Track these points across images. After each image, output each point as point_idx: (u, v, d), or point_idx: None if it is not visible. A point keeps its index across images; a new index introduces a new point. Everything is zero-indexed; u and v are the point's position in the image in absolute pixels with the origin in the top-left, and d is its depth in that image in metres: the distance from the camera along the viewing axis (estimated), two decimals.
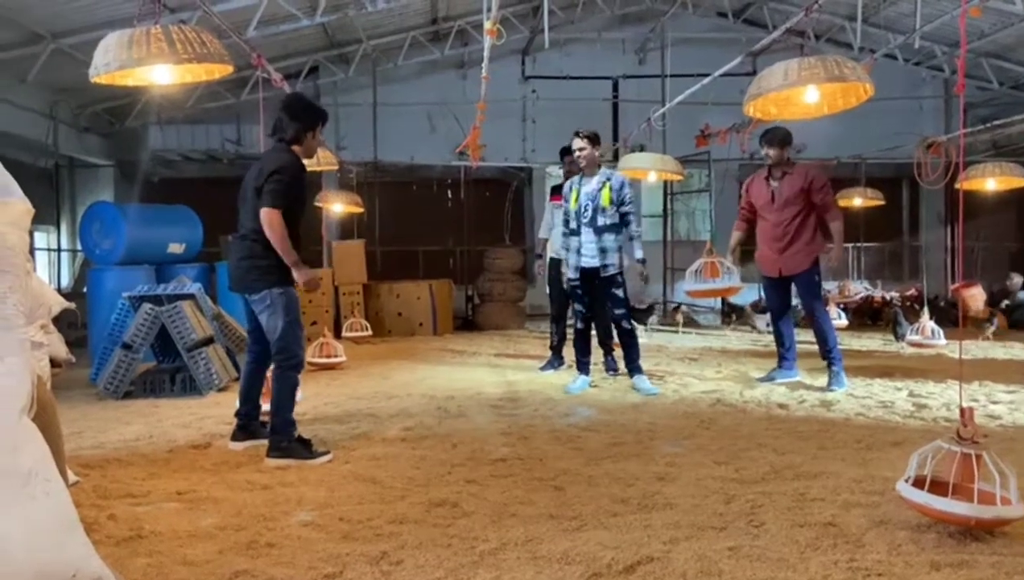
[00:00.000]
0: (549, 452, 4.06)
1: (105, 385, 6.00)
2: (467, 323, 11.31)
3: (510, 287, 11.17)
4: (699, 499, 3.21)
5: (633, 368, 6.03)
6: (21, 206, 2.56)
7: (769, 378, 6.11)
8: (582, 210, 5.89)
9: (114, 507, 3.11)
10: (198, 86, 10.20)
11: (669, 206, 12.23)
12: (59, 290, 11.44)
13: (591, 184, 5.89)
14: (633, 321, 6.16)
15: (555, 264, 6.78)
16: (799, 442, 4.22)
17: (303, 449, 3.97)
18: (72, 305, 3.98)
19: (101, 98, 10.91)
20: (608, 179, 5.90)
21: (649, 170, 7.49)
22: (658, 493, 3.30)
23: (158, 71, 3.47)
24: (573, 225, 5.94)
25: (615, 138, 12.22)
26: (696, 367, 7.13)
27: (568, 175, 6.66)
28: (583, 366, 6.10)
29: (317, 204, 9.40)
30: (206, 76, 3.73)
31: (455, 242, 12.26)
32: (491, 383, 6.24)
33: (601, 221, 5.83)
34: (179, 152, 12.46)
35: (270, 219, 3.91)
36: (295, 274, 4.02)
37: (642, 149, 9.14)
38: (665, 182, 11.19)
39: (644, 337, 8.26)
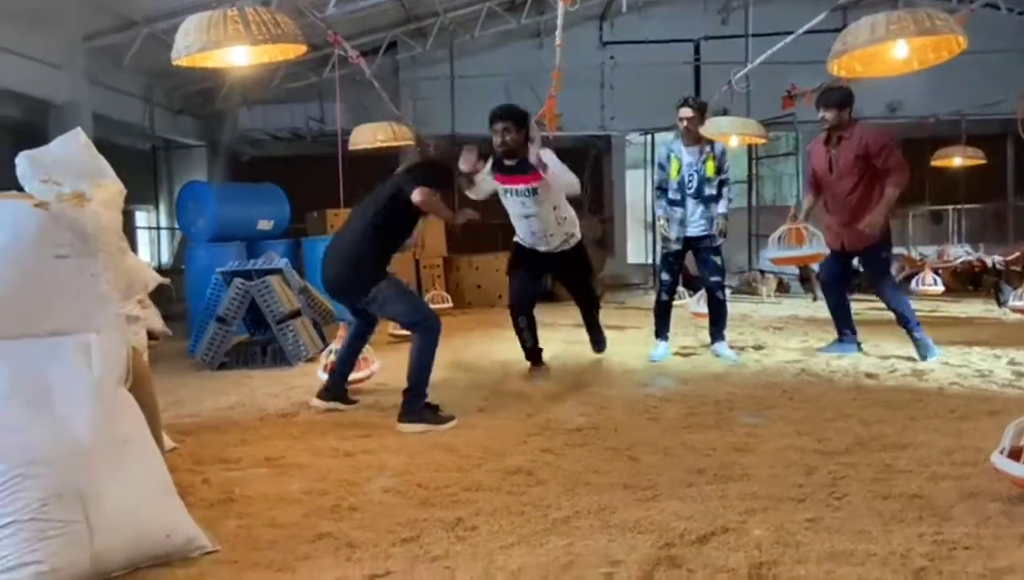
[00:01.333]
0: (624, 422, 4.05)
1: (202, 356, 6.30)
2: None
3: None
4: (778, 470, 3.15)
5: (718, 336, 5.94)
6: (114, 187, 2.69)
7: (829, 350, 5.92)
8: (686, 181, 5.76)
9: (208, 472, 3.28)
10: (280, 66, 10.46)
11: (754, 171, 11.89)
12: (159, 267, 12.04)
13: (693, 154, 5.76)
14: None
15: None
16: (888, 412, 4.09)
17: (433, 414, 4.12)
18: (167, 280, 4.17)
19: (192, 81, 11.30)
20: (711, 149, 5.78)
21: (731, 134, 7.27)
22: (735, 464, 3.26)
23: (234, 52, 3.57)
24: (676, 196, 5.81)
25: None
26: (781, 336, 6.96)
27: (495, 150, 5.56)
28: (663, 334, 6.03)
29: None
30: (280, 56, 3.82)
31: None
32: (568, 354, 6.24)
33: (707, 191, 5.72)
34: (266, 131, 12.85)
35: (423, 197, 4.13)
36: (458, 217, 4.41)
37: (725, 113, 8.90)
38: (749, 146, 10.87)
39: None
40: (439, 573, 2.23)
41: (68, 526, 2.03)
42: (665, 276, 6.01)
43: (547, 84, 8.36)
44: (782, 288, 10.62)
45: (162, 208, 12.64)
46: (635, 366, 5.70)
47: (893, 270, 5.81)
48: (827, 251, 5.60)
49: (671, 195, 5.83)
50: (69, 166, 2.63)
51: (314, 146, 12.30)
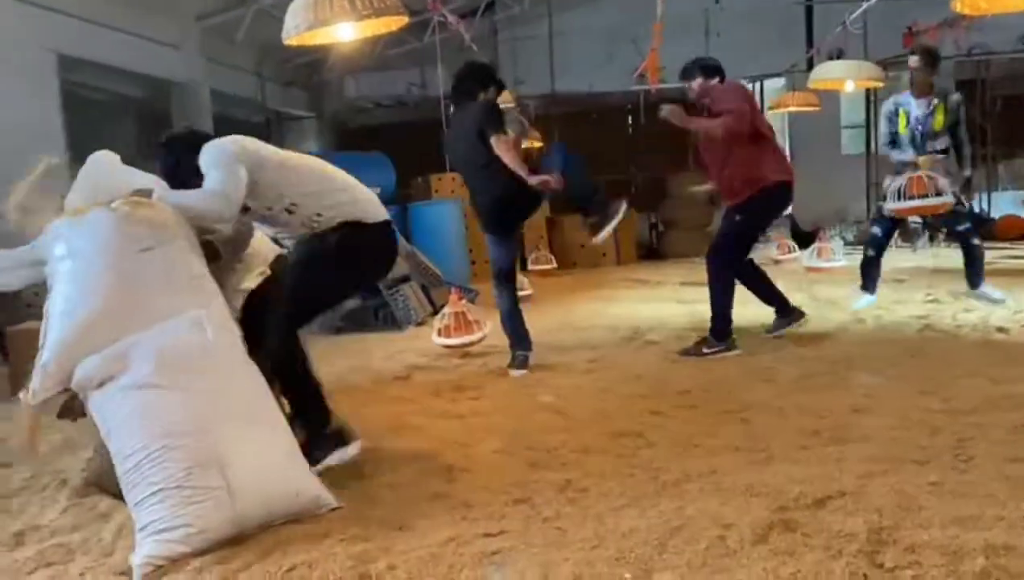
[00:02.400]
0: (736, 383, 3.99)
1: (319, 321, 6.57)
2: (651, 252, 11.19)
3: (696, 213, 10.87)
4: (899, 432, 3.04)
5: (977, 281, 5.61)
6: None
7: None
8: (915, 135, 5.48)
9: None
10: (382, 35, 10.60)
11: (872, 115, 11.26)
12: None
13: (921, 107, 5.46)
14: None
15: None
16: (1019, 370, 3.85)
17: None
18: (284, 251, 4.37)
19: (300, 54, 11.59)
20: (942, 100, 5.45)
21: (845, 79, 6.91)
22: (853, 425, 3.16)
23: (341, 29, 3.64)
24: (906, 152, 5.49)
25: (809, 45, 11.36)
26: (904, 290, 6.63)
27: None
28: (871, 286, 5.81)
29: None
30: (383, 29, 3.87)
31: (636, 170, 12.05)
32: (676, 313, 6.16)
33: (934, 146, 5.44)
34: (370, 99, 13.10)
35: (502, 150, 4.19)
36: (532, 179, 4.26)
37: (840, 56, 8.44)
38: (867, 90, 10.29)
39: (838, 259, 7.78)
40: (551, 534, 2.28)
41: (211, 491, 2.19)
42: (877, 230, 5.74)
43: (650, 37, 8.15)
44: (906, 238, 10.07)
45: None
46: (746, 324, 5.56)
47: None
48: (950, 201, 5.27)
49: (902, 151, 5.52)
50: (106, 188, 2.74)
51: (417, 112, 12.46)
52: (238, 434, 2.31)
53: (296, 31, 3.37)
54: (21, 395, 2.36)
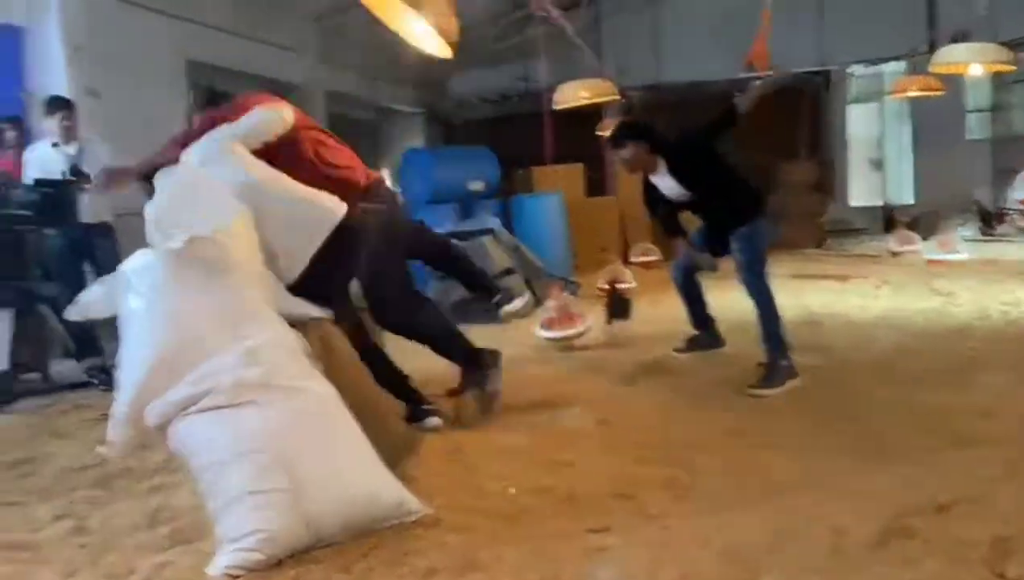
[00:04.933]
0: (851, 380, 3.85)
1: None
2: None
3: (807, 203, 10.50)
4: None
5: None
6: (239, 217, 2.79)
7: None
8: None
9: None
10: (486, 30, 10.72)
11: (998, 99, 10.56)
12: None
13: None
14: None
15: None
16: None
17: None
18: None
19: (410, 51, 11.90)
20: None
21: (970, 63, 6.51)
22: (978, 428, 3.01)
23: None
24: None
25: (931, 25, 10.75)
26: None
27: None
28: None
29: (598, 133, 9.52)
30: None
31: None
32: (787, 306, 5.94)
33: None
34: (475, 95, 13.27)
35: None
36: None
37: (965, 38, 7.95)
38: (994, 73, 9.64)
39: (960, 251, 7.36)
40: (657, 532, 2.28)
41: (280, 494, 2.19)
42: None
43: (757, 22, 7.91)
44: None
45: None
46: (860, 319, 5.37)
47: None
48: None
49: None
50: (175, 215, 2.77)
51: (520, 105, 12.51)
52: (312, 440, 2.34)
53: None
54: (101, 450, 2.47)
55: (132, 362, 2.43)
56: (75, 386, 4.77)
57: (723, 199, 4.17)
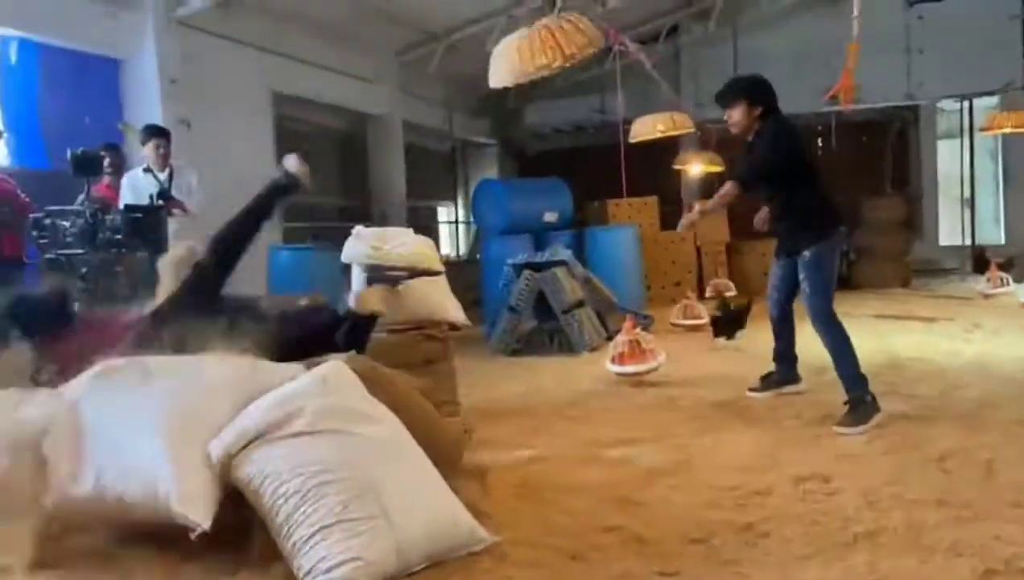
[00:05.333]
0: (936, 428, 3.67)
1: (496, 343, 6.77)
2: (841, 281, 10.54)
3: (892, 241, 10.17)
4: None
5: None
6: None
7: None
8: None
9: (505, 457, 3.52)
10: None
11: None
12: (457, 257, 13.10)
13: None
14: None
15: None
16: None
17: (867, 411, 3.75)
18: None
19: (486, 83, 12.10)
20: None
21: None
22: None
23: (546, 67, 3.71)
24: None
25: None
26: None
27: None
28: None
29: (676, 166, 9.46)
30: (580, 58, 3.91)
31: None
32: (869, 347, 5.75)
33: None
34: (550, 126, 13.37)
35: None
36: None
37: None
38: None
39: None
40: (730, 578, 2.20)
41: (371, 521, 2.18)
42: None
43: (842, 55, 7.74)
44: None
45: (459, 203, 13.70)
46: (948, 364, 5.12)
47: None
48: None
49: None
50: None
51: (595, 137, 12.56)
52: (391, 468, 2.32)
53: (508, 79, 3.51)
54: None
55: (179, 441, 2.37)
56: None
57: (795, 202, 4.08)
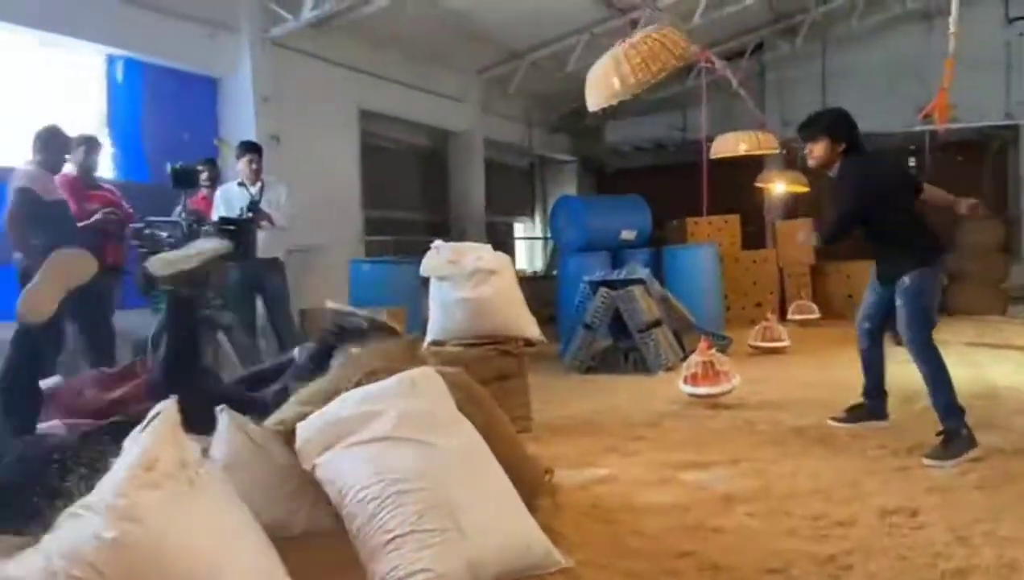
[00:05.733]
0: None
1: (571, 360, 6.75)
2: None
3: (989, 265, 9.69)
4: None
5: None
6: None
7: None
8: None
9: (577, 475, 3.50)
10: None
11: None
12: (534, 273, 13.14)
13: None
14: None
15: None
16: None
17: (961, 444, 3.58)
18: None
19: (567, 101, 12.14)
20: None
21: None
22: None
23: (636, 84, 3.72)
24: None
25: None
26: None
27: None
28: None
29: (758, 184, 9.27)
30: (668, 72, 3.89)
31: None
32: (963, 376, 5.48)
33: None
34: (630, 143, 13.31)
35: None
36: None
37: None
38: None
39: None
40: None
41: (444, 534, 2.17)
42: None
43: (937, 72, 7.47)
44: None
45: (537, 219, 13.75)
46: None
47: None
48: None
49: None
50: None
51: (676, 155, 12.43)
52: (469, 483, 2.32)
53: (604, 101, 3.55)
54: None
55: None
56: None
57: (894, 228, 3.91)
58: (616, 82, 3.37)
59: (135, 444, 2.17)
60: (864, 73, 11.23)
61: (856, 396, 4.35)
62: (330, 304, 3.68)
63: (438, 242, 4.58)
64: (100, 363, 4.93)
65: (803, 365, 6.43)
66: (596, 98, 3.77)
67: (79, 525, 2.17)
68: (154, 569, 2.09)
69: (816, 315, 8.88)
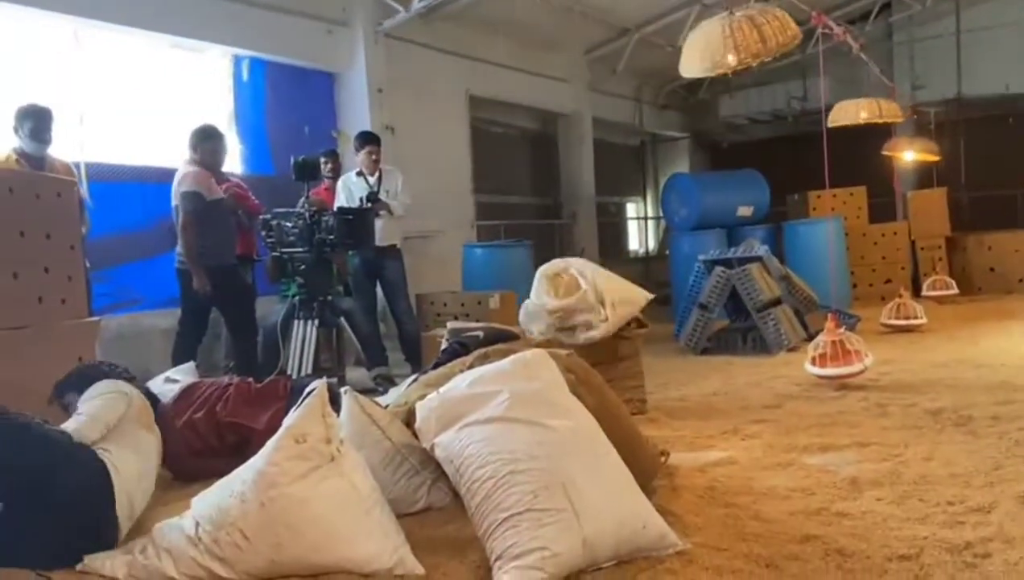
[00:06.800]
0: None
1: (686, 341, 6.63)
2: None
3: None
4: None
5: None
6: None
7: None
8: None
9: (697, 458, 3.45)
10: None
11: None
12: (646, 253, 12.96)
13: None
14: None
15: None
16: None
17: None
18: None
19: (678, 76, 11.88)
20: None
21: None
22: None
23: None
24: None
25: None
26: None
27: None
28: None
29: (886, 152, 8.77)
30: (780, 52, 3.74)
31: None
32: None
33: None
34: (746, 116, 12.87)
35: None
36: None
37: None
38: None
39: None
40: None
41: (559, 514, 2.18)
42: None
43: None
44: None
45: (648, 198, 13.54)
46: None
47: None
48: None
49: None
50: None
51: (795, 126, 11.95)
52: (582, 464, 2.32)
53: (700, 71, 3.44)
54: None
55: None
56: (364, 391, 5.29)
57: None
58: (716, 51, 3.23)
59: (288, 418, 2.34)
60: (1002, 32, 10.39)
61: (1004, 375, 4.07)
62: (451, 325, 3.86)
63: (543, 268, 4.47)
64: (244, 356, 5.22)
65: (939, 345, 6.08)
66: (691, 65, 3.62)
67: (225, 490, 2.36)
68: (295, 534, 2.26)
69: (954, 291, 8.36)
